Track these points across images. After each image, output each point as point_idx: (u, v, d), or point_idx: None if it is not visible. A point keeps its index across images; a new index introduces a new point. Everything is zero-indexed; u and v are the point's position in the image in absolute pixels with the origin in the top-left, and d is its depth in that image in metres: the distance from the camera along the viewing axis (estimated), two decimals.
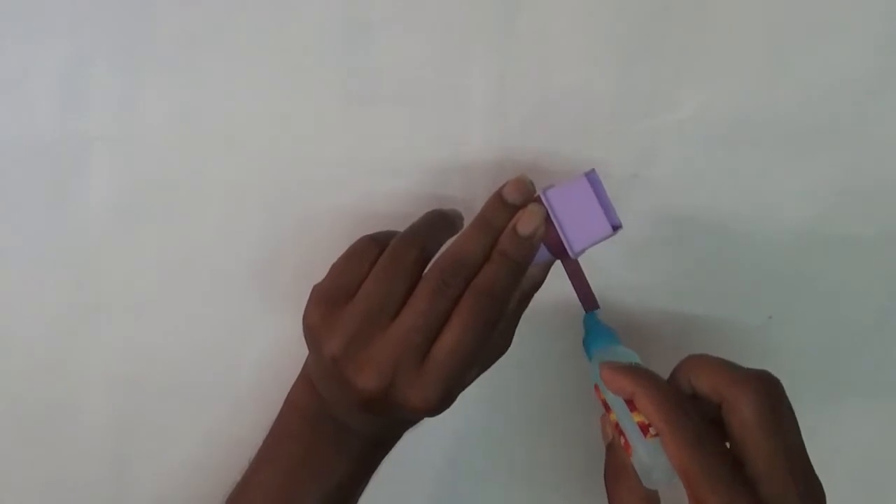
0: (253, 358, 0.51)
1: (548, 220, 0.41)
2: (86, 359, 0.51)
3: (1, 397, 0.51)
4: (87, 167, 0.49)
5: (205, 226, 0.49)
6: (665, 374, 0.39)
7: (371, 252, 0.42)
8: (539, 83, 0.48)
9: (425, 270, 0.41)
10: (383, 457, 0.45)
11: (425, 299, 0.40)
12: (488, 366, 0.44)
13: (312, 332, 0.42)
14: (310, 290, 0.48)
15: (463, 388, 0.41)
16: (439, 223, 0.43)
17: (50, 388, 0.51)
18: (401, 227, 0.49)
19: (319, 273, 0.50)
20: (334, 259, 0.50)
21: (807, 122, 0.48)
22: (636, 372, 0.38)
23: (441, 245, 0.42)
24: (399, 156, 0.49)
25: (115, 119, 0.48)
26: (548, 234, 0.41)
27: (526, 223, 0.41)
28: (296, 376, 0.48)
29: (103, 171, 0.49)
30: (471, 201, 0.49)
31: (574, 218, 0.41)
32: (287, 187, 0.49)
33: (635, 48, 0.47)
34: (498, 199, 0.42)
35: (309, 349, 0.44)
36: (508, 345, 0.44)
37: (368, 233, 0.49)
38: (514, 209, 0.42)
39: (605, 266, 0.49)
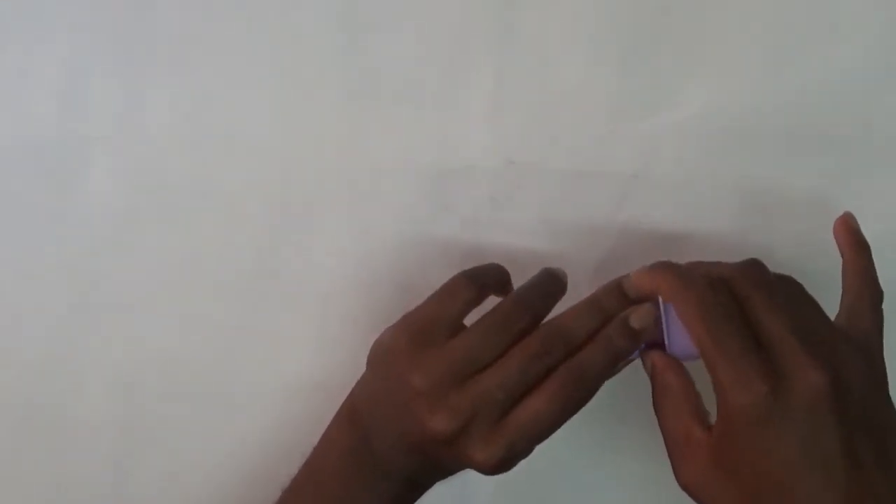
0: (253, 358, 0.51)
1: (657, 323, 0.42)
2: (86, 359, 0.51)
3: (1, 397, 0.51)
4: (87, 168, 0.49)
5: (205, 226, 0.49)
6: None
7: (467, 292, 0.42)
8: (539, 83, 0.48)
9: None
10: (414, 501, 0.45)
11: (520, 362, 0.40)
12: None
13: (396, 358, 0.41)
14: (311, 290, 0.48)
15: (523, 458, 0.41)
16: (551, 286, 0.43)
17: (50, 388, 0.51)
18: (402, 228, 0.49)
19: (319, 273, 0.50)
20: (334, 259, 0.50)
21: (807, 122, 0.48)
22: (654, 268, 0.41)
23: (550, 310, 0.42)
24: (399, 156, 0.49)
25: (115, 119, 0.48)
26: (652, 336, 0.42)
27: (639, 318, 0.41)
28: (295, 375, 0.48)
29: (103, 172, 0.49)
30: (471, 202, 0.49)
31: (681, 332, 0.41)
32: (287, 187, 0.49)
33: (635, 48, 0.47)
34: (617, 287, 0.42)
35: (378, 373, 0.43)
36: None
37: (369, 232, 0.49)
38: (628, 302, 0.42)
39: (605, 265, 0.49)
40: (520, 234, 0.49)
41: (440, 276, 0.49)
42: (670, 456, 0.40)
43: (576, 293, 0.44)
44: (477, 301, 0.43)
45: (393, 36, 0.47)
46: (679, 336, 0.41)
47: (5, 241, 0.50)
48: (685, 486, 0.39)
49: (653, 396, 0.41)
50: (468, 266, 0.49)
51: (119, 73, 0.48)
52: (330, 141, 0.49)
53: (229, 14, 0.47)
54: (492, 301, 0.43)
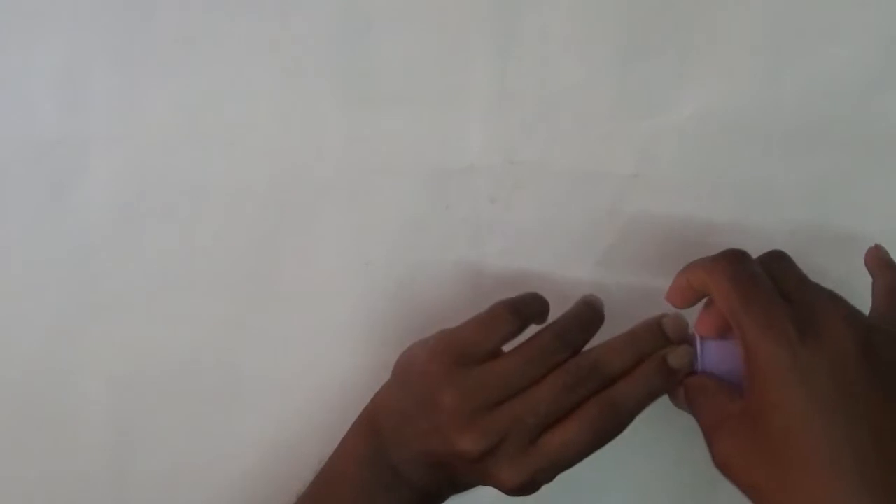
0: (253, 358, 0.51)
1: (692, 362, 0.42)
2: (86, 359, 0.51)
3: (0, 397, 0.51)
4: (87, 167, 0.49)
5: (205, 226, 0.49)
6: None
7: (508, 325, 0.42)
8: (539, 83, 0.48)
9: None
10: None
11: (553, 391, 0.40)
12: None
13: (428, 376, 0.42)
14: (311, 290, 0.48)
15: (547, 483, 0.41)
16: (589, 318, 0.43)
17: (50, 387, 0.51)
18: (402, 228, 0.49)
19: (319, 273, 0.50)
20: (334, 259, 0.50)
21: (807, 122, 0.48)
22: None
23: (588, 342, 0.43)
24: (399, 156, 0.49)
25: (115, 119, 0.48)
26: (686, 374, 0.42)
27: (677, 358, 0.41)
28: (294, 375, 0.48)
29: (103, 171, 0.49)
30: (471, 202, 0.49)
31: (716, 372, 0.42)
32: (287, 187, 0.49)
33: (635, 48, 0.47)
34: (656, 325, 0.42)
35: (406, 387, 0.43)
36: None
37: (369, 232, 0.49)
38: (666, 341, 0.42)
39: (604, 265, 0.49)
40: (520, 234, 0.49)
41: (440, 277, 0.49)
42: (707, 442, 0.40)
43: (576, 294, 0.45)
44: (516, 334, 0.43)
45: (393, 36, 0.47)
46: (713, 373, 0.42)
47: (5, 240, 0.50)
48: (721, 465, 0.39)
49: (692, 410, 0.41)
50: (467, 267, 0.49)
51: (119, 73, 0.48)
52: (330, 141, 0.49)
53: (229, 14, 0.47)
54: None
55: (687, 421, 0.45)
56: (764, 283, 0.39)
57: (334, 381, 0.50)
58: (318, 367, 0.50)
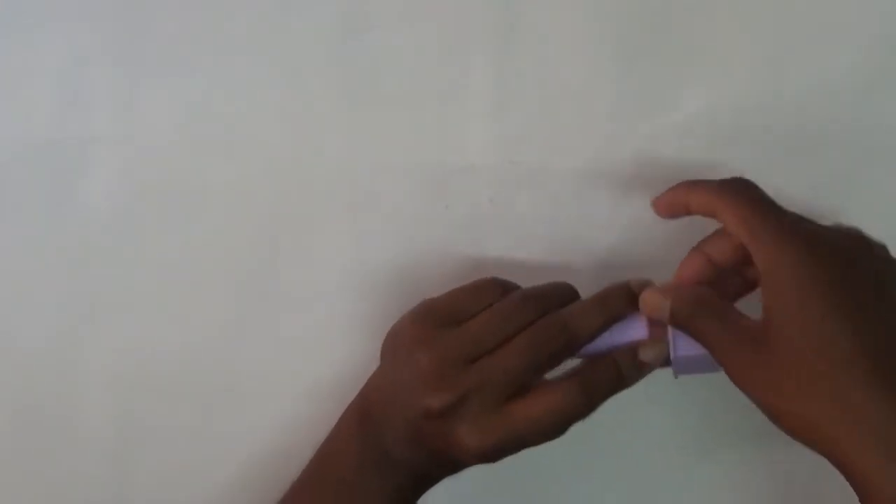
0: (252, 357, 0.51)
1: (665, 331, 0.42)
2: (86, 359, 0.51)
3: (1, 397, 0.51)
4: (87, 167, 0.49)
5: (205, 226, 0.49)
6: None
7: (493, 294, 0.43)
8: (539, 83, 0.48)
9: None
10: (420, 495, 0.45)
11: (521, 349, 0.41)
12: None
13: (408, 337, 0.43)
14: (310, 290, 0.48)
15: (511, 452, 0.42)
16: (562, 289, 0.44)
17: (50, 387, 0.51)
18: (402, 228, 0.49)
19: (319, 273, 0.50)
20: (334, 259, 0.50)
21: (807, 122, 0.48)
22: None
23: (559, 308, 0.43)
24: (399, 156, 0.49)
25: (115, 119, 0.48)
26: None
27: (647, 352, 0.43)
28: (295, 375, 0.48)
29: (103, 172, 0.49)
30: (471, 202, 0.49)
31: (691, 354, 0.42)
32: (287, 187, 0.49)
33: (635, 48, 0.47)
34: (625, 287, 0.43)
35: (390, 356, 0.44)
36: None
37: (369, 232, 0.49)
38: (635, 301, 0.43)
39: (604, 265, 0.49)
40: (520, 233, 0.49)
41: (439, 276, 0.49)
42: (722, 362, 0.39)
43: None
44: None
45: (393, 36, 0.47)
46: (685, 360, 0.42)
47: (5, 241, 0.50)
48: (739, 383, 0.38)
49: (699, 330, 0.40)
50: (466, 267, 0.50)
51: (119, 73, 0.48)
52: (330, 140, 0.49)
53: (229, 14, 0.47)
54: None
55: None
56: (776, 202, 0.40)
57: (333, 381, 0.50)
58: (317, 367, 0.51)
